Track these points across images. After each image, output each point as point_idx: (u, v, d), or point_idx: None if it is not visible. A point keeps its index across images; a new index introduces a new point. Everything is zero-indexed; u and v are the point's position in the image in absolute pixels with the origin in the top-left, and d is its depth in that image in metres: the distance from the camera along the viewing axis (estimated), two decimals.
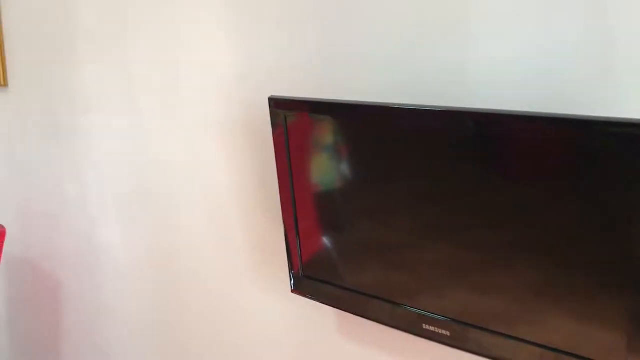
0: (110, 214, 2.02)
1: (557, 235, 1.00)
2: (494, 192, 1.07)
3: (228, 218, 1.69)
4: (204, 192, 1.73)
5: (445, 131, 1.11)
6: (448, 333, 1.18)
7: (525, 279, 1.06)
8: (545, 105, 1.10)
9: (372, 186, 1.25)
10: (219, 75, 1.63)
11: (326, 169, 1.33)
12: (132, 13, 1.80)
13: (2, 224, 2.10)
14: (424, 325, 1.22)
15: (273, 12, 1.48)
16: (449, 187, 1.13)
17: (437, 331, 1.20)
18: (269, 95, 1.44)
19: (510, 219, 1.06)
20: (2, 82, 2.28)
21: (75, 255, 2.17)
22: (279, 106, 1.32)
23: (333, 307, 1.40)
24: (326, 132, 1.30)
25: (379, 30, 1.32)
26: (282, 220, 1.43)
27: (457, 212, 1.13)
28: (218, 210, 1.71)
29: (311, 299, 1.43)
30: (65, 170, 2.15)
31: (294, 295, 1.48)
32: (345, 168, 1.30)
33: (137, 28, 1.80)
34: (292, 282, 1.44)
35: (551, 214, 1.00)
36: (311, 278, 1.40)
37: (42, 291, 2.34)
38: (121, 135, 1.93)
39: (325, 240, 1.38)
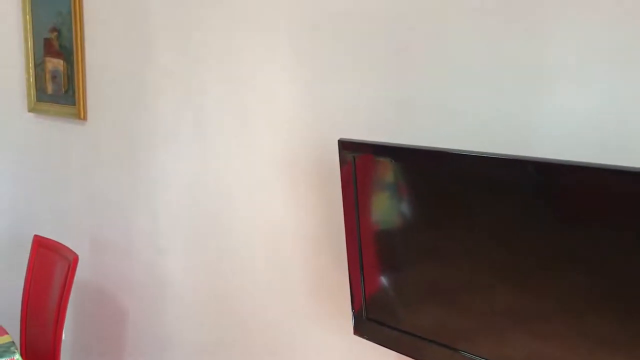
0: (176, 247, 2.08)
1: (623, 286, 0.97)
2: (561, 241, 1.05)
3: (291, 255, 1.71)
4: (268, 228, 1.76)
5: (511, 178, 1.11)
6: None
7: (590, 328, 1.03)
8: (617, 158, 1.08)
9: (436, 229, 1.25)
10: (287, 116, 1.67)
11: (391, 210, 1.33)
12: (207, 55, 1.88)
13: (76, 251, 2.19)
14: None
15: (343, 57, 1.52)
16: (513, 233, 1.11)
17: None
18: (334, 136, 1.47)
19: (575, 267, 1.03)
20: (82, 117, 2.42)
21: (141, 284, 2.24)
22: (347, 148, 1.34)
23: (395, 351, 1.38)
24: (392, 174, 1.31)
25: (447, 77, 1.33)
26: (344, 260, 1.44)
27: (521, 259, 1.11)
28: (282, 247, 1.73)
29: (373, 341, 1.42)
30: (136, 202, 2.24)
31: (355, 336, 1.47)
32: (409, 210, 1.30)
33: (212, 69, 1.88)
34: (354, 323, 1.44)
35: (619, 265, 0.98)
36: (373, 320, 1.39)
37: (109, 318, 2.42)
38: (191, 171, 2.00)
39: (389, 282, 1.37)
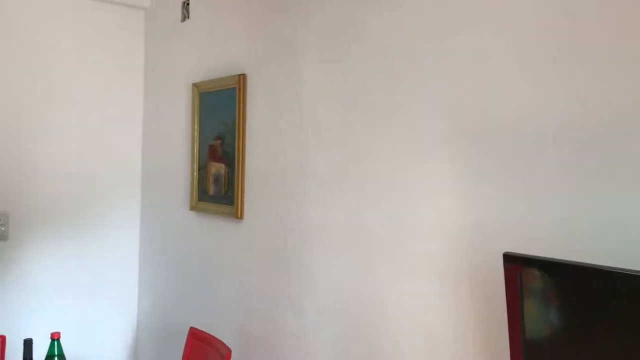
0: (324, 350, 2.11)
1: None
2: None
3: None
4: (422, 337, 1.75)
5: None
6: None
7: None
8: None
9: (603, 351, 1.19)
10: (446, 225, 1.70)
11: (557, 326, 1.28)
12: (362, 161, 1.99)
13: (225, 344, 2.30)
14: None
15: (505, 171, 1.54)
16: None
17: None
18: (495, 248, 1.47)
19: None
20: (239, 216, 2.61)
21: None
22: (513, 261, 1.33)
23: None
24: (563, 293, 1.27)
25: (617, 193, 1.30)
26: None
27: None
28: (437, 357, 1.70)
29: None
30: (284, 301, 2.32)
31: None
32: (575, 327, 1.25)
33: (367, 175, 1.97)
34: None
35: None
36: None
37: None
38: (343, 275, 2.06)
39: None
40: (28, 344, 2.01)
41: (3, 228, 3.11)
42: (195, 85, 2.95)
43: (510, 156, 1.53)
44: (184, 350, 2.44)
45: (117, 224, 3.47)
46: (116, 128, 3.46)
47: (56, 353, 1.98)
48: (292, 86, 2.33)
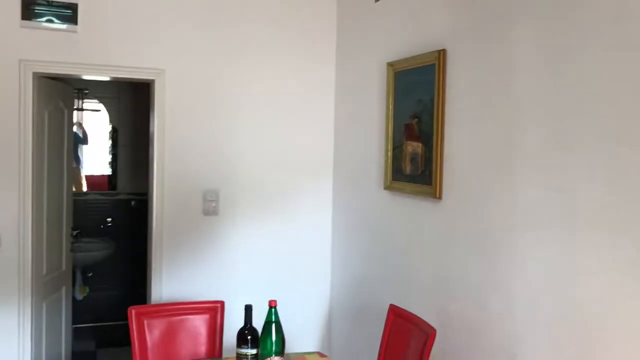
0: (537, 338, 1.99)
1: None
2: None
3: None
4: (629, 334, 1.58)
5: None
6: None
7: None
8: None
9: None
10: None
11: None
12: (579, 138, 1.82)
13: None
14: None
15: None
16: None
17: None
18: None
19: None
20: (438, 196, 2.56)
21: None
22: None
23: None
24: None
25: None
26: None
27: None
28: None
29: None
30: (491, 284, 2.24)
31: None
32: None
33: (583, 153, 1.81)
34: None
35: None
36: None
37: None
38: (558, 261, 1.91)
39: None
40: (249, 309, 2.18)
41: (214, 204, 3.41)
42: (390, 64, 2.94)
43: None
44: (385, 326, 2.47)
45: (311, 202, 3.63)
46: (309, 111, 3.61)
47: (273, 319, 2.12)
48: (499, 61, 2.21)
